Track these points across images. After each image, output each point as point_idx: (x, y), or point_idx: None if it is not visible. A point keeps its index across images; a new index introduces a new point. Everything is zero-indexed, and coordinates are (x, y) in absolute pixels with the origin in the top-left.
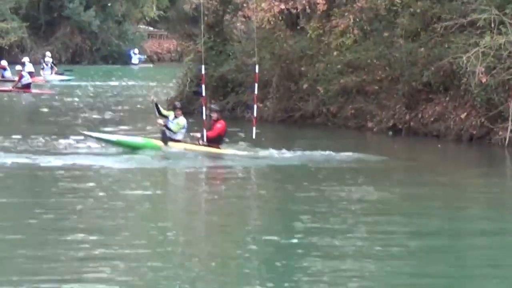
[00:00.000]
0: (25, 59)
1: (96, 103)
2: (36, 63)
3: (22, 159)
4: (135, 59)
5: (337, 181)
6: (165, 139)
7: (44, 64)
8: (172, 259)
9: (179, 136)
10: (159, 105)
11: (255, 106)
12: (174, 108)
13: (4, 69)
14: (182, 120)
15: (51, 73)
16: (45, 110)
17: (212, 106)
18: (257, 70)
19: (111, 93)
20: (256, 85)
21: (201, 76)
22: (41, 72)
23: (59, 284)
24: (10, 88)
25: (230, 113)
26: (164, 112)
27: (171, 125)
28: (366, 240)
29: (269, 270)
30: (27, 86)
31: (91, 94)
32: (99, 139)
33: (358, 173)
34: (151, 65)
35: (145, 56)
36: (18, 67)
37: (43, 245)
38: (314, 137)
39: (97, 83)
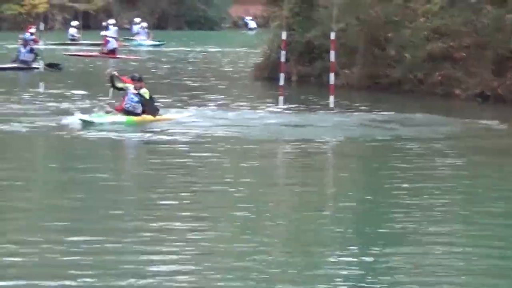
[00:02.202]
0: (110, 24)
1: (185, 69)
2: (121, 28)
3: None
4: (252, 24)
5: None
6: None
7: (138, 29)
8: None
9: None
10: (114, 78)
11: (332, 75)
12: (134, 80)
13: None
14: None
15: (147, 38)
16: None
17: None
18: (333, 37)
19: (199, 58)
20: (333, 52)
21: (283, 42)
22: (136, 37)
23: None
24: (96, 53)
25: (316, 80)
26: (120, 84)
27: (137, 97)
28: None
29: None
30: (113, 52)
31: (181, 60)
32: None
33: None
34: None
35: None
36: (103, 32)
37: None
38: (401, 103)
39: (186, 48)
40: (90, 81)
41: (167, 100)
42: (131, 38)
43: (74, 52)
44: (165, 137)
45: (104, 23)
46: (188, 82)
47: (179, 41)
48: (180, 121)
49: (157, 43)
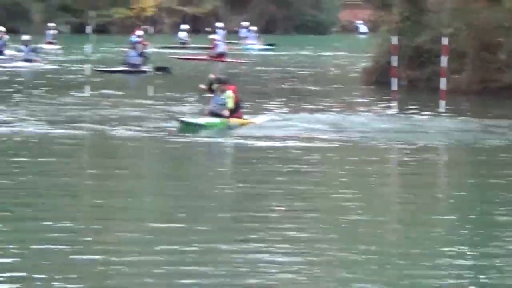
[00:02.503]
0: (218, 28)
1: (293, 73)
2: (230, 32)
3: None
4: (363, 28)
5: None
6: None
7: (245, 33)
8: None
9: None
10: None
11: (443, 80)
12: (219, 81)
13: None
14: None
15: (257, 42)
16: (245, 78)
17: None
18: (446, 42)
19: (308, 62)
20: (444, 57)
21: (394, 47)
22: (245, 41)
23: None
24: (205, 57)
25: (425, 84)
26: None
27: (222, 100)
28: None
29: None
30: (221, 55)
31: (290, 64)
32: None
33: None
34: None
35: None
36: (212, 36)
37: None
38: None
39: (295, 52)
40: (198, 85)
41: (273, 104)
42: (239, 42)
43: (182, 56)
44: (278, 144)
45: (208, 29)
46: (297, 86)
47: (287, 45)
48: (284, 124)
49: (267, 46)
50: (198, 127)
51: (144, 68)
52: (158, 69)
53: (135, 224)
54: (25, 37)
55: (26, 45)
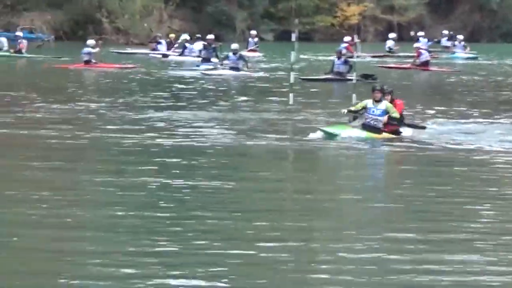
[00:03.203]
0: (420, 36)
1: (498, 82)
2: (431, 40)
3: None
4: None
5: None
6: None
7: (448, 42)
8: None
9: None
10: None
11: None
12: (374, 90)
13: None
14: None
15: (463, 51)
16: (448, 87)
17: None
18: None
19: None
20: None
21: None
22: (451, 49)
23: None
24: (409, 65)
25: None
26: (352, 108)
27: (377, 110)
28: None
29: None
30: (425, 64)
31: (494, 73)
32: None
33: None
34: None
35: None
36: (416, 44)
37: None
38: None
39: (500, 61)
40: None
41: (470, 113)
42: (444, 50)
43: (387, 64)
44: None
45: (413, 33)
46: (500, 95)
47: (493, 54)
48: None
49: (473, 55)
50: (337, 137)
51: (349, 76)
52: (363, 76)
53: None
54: (234, 46)
55: (234, 53)
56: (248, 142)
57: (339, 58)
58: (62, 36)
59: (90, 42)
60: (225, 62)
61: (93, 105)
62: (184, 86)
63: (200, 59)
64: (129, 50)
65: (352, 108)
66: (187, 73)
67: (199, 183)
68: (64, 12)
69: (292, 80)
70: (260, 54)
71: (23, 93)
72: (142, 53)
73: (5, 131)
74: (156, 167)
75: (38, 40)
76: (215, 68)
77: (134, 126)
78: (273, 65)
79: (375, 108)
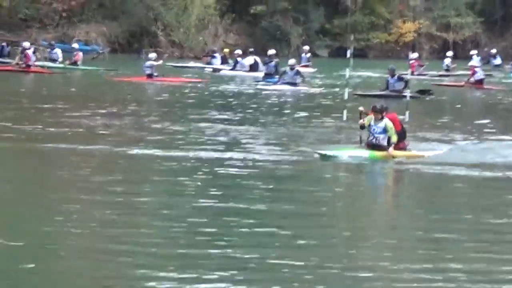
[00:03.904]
0: (473, 54)
1: None
2: (485, 58)
3: None
4: None
5: None
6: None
7: (495, 60)
8: None
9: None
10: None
11: None
12: (374, 110)
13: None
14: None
15: None
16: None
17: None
18: None
19: None
20: None
21: None
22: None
23: None
24: (463, 83)
25: None
26: (365, 120)
27: (379, 128)
28: None
29: None
30: (480, 82)
31: None
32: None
33: None
34: None
35: None
36: (471, 63)
37: None
38: None
39: None
40: (458, 112)
41: None
42: (500, 69)
43: (442, 82)
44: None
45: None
46: None
47: None
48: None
49: None
50: (336, 158)
51: (404, 93)
52: (420, 92)
53: None
54: (291, 61)
55: (292, 69)
56: (300, 158)
57: (392, 76)
58: (117, 48)
59: (152, 55)
60: (283, 77)
61: (154, 119)
62: (245, 101)
63: (255, 73)
64: (184, 64)
65: (365, 121)
66: (246, 88)
67: (260, 197)
68: (119, 24)
69: (346, 96)
70: (313, 70)
71: (83, 104)
72: (196, 67)
73: (63, 145)
74: (217, 183)
75: (93, 52)
76: (273, 83)
77: (198, 139)
78: (328, 81)
79: (376, 126)
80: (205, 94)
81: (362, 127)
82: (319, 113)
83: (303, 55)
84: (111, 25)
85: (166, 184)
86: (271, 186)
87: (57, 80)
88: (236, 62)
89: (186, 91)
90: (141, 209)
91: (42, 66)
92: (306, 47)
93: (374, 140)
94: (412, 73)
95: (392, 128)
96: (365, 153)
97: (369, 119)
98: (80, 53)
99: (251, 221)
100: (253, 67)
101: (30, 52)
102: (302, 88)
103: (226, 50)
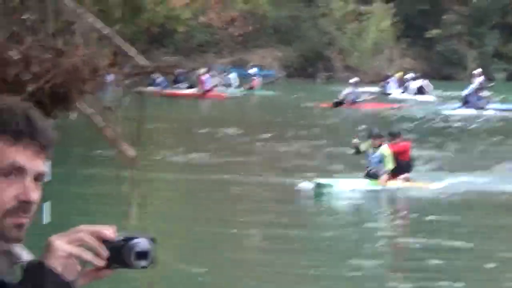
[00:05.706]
0: None
1: None
2: None
3: None
4: None
5: None
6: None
7: None
8: None
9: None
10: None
11: None
12: (372, 136)
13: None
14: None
15: None
16: None
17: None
18: None
19: None
20: None
21: None
22: None
23: None
24: None
25: None
26: (362, 146)
27: (377, 157)
28: None
29: None
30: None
31: None
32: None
33: None
34: None
35: None
36: None
37: None
38: None
39: None
40: None
41: None
42: None
43: None
44: None
45: None
46: None
47: None
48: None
49: None
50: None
51: None
52: None
53: None
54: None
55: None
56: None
57: None
58: (293, 72)
59: (353, 80)
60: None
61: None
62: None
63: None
64: (359, 90)
65: (363, 147)
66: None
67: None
68: (294, 49)
69: None
70: (488, 93)
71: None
72: (372, 92)
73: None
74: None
75: (269, 77)
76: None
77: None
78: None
79: (372, 155)
80: (417, 119)
81: (358, 151)
82: (499, 139)
83: (472, 79)
84: (286, 50)
85: None
86: None
87: (237, 104)
88: (406, 86)
89: (395, 118)
90: None
91: (217, 91)
92: (478, 70)
93: (373, 170)
94: None
95: (389, 155)
96: (363, 182)
97: (367, 145)
98: (259, 78)
99: None
100: (420, 90)
101: (205, 77)
102: (487, 113)
103: (399, 73)
